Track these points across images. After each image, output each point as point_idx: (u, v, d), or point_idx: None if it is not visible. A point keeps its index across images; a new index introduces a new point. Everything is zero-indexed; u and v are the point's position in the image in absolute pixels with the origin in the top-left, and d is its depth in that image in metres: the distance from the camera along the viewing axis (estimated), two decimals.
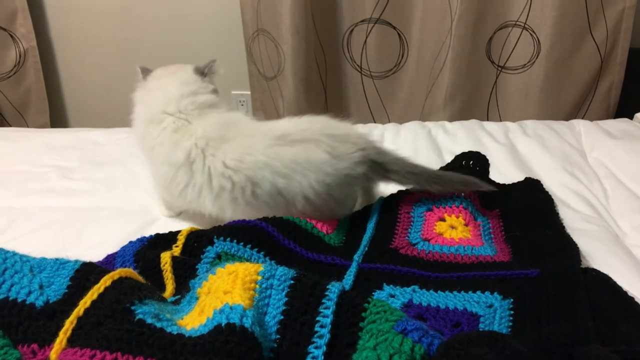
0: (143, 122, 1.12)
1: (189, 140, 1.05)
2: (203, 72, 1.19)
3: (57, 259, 0.75)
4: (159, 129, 1.08)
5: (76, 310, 0.65)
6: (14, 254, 0.75)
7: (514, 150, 1.45)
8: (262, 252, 0.94)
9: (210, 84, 1.19)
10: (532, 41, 1.83)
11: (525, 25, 1.82)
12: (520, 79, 1.90)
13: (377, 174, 1.05)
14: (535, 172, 1.33)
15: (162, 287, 0.86)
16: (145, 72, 1.20)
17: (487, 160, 1.13)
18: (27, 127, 2.24)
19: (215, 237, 0.94)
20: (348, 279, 0.91)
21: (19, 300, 0.68)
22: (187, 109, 1.10)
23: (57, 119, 2.34)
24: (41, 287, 0.69)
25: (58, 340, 0.62)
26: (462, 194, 1.07)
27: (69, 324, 0.63)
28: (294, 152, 1.01)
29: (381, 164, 1.04)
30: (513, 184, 1.21)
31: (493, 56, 1.91)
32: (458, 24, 1.80)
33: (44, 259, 0.76)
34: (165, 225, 1.14)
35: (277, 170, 1.00)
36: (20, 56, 2.16)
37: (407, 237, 1.03)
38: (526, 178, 1.21)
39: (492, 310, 0.83)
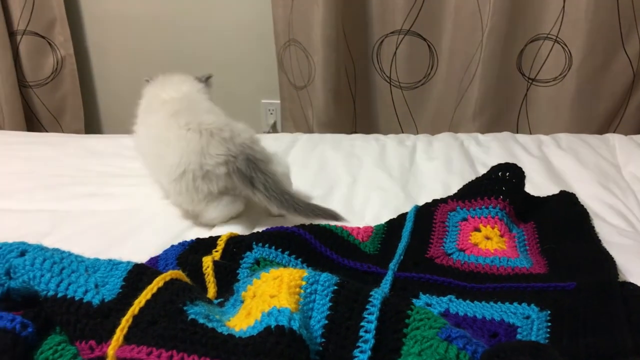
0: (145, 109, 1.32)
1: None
2: (202, 80, 1.37)
3: (110, 260, 0.78)
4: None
5: (131, 309, 0.67)
6: (70, 254, 0.78)
7: (548, 163, 1.44)
8: (299, 259, 0.96)
9: (207, 93, 1.35)
10: (563, 54, 1.83)
11: (557, 38, 1.82)
12: (551, 91, 1.89)
13: (244, 185, 1.10)
14: (569, 186, 1.32)
15: (204, 290, 0.89)
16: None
17: (522, 172, 1.12)
18: (62, 132, 2.30)
19: (254, 243, 0.96)
20: (384, 288, 0.92)
21: (77, 298, 0.70)
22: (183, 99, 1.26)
23: (91, 125, 2.40)
24: (96, 286, 0.72)
25: (115, 337, 0.64)
26: (499, 205, 1.07)
27: (125, 321, 0.66)
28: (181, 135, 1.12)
29: (249, 178, 1.09)
30: (548, 196, 1.20)
31: (524, 68, 1.91)
32: (489, 36, 1.81)
33: (97, 259, 0.78)
34: (203, 229, 1.16)
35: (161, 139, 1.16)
36: (57, 63, 2.22)
37: (442, 247, 1.04)
38: (561, 191, 1.21)
39: (529, 322, 0.83)
